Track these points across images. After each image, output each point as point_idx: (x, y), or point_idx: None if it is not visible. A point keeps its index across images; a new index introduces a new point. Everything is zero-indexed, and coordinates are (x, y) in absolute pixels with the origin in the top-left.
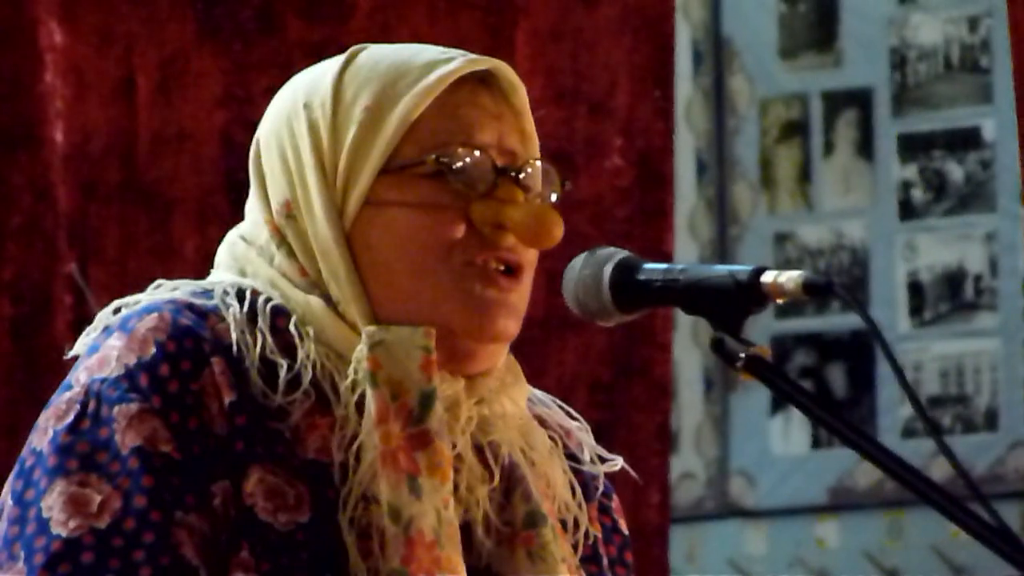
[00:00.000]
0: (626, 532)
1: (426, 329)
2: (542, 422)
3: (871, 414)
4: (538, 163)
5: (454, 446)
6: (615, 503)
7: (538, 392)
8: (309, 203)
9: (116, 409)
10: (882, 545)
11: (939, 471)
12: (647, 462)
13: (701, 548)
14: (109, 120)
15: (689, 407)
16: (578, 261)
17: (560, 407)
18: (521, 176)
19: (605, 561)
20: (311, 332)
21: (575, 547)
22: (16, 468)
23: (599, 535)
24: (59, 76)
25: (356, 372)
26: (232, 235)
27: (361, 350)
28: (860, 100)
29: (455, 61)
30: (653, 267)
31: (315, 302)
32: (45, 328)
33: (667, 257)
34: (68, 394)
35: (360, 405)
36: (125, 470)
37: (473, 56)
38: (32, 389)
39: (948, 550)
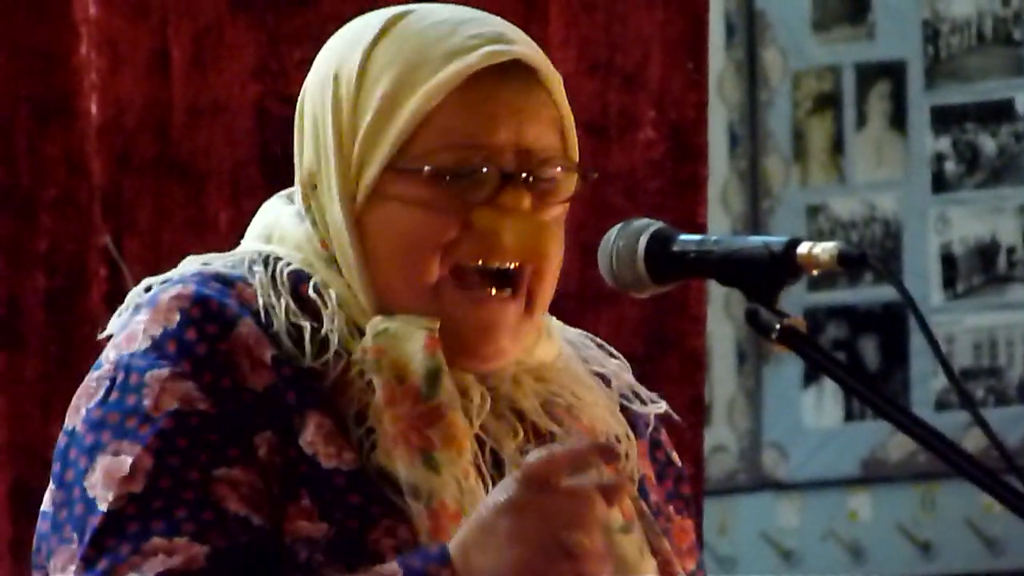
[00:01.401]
0: (680, 464)
1: (429, 318)
2: (586, 363)
3: (904, 386)
4: (557, 164)
5: (479, 415)
6: (665, 436)
7: (573, 334)
8: (328, 180)
9: (147, 376)
10: (915, 518)
11: (972, 443)
12: (680, 434)
13: (733, 521)
14: (143, 93)
15: (722, 379)
16: (612, 233)
17: (601, 346)
18: (531, 179)
19: (653, 498)
20: (334, 297)
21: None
22: (56, 452)
23: (649, 474)
24: (93, 48)
25: (362, 362)
26: (274, 198)
27: (366, 339)
28: (893, 72)
29: (477, 52)
30: (687, 238)
31: (335, 278)
32: (79, 301)
33: (700, 229)
34: (98, 372)
35: (370, 389)
36: (156, 431)
37: (498, 47)
38: (66, 362)
39: (982, 523)
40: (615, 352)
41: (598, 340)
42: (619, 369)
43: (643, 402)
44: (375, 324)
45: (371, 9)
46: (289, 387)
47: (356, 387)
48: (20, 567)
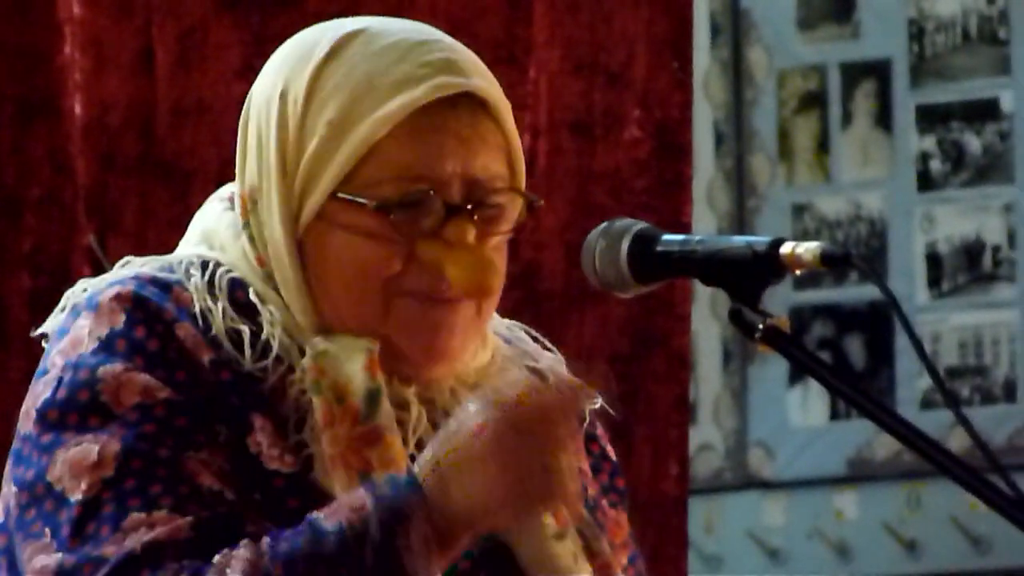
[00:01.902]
0: (614, 458)
1: (369, 339)
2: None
3: (889, 386)
4: (503, 192)
5: (404, 441)
6: (600, 430)
7: (505, 327)
8: (269, 200)
9: (100, 371)
10: (901, 516)
11: (957, 442)
12: (666, 434)
13: (719, 519)
14: (128, 92)
15: (707, 379)
16: (596, 233)
17: (536, 339)
18: (477, 211)
19: (589, 492)
20: (270, 309)
21: None
22: (10, 461)
23: (584, 468)
24: (78, 48)
25: (300, 380)
26: (214, 200)
27: (307, 360)
28: (878, 71)
29: (425, 84)
30: (671, 238)
31: (271, 296)
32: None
33: (685, 228)
34: (45, 378)
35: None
36: (123, 424)
37: (447, 78)
38: None
39: (967, 521)
40: (549, 345)
41: (532, 332)
42: (554, 363)
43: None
44: (315, 344)
45: (354, 9)
46: (230, 390)
47: (294, 395)
48: None
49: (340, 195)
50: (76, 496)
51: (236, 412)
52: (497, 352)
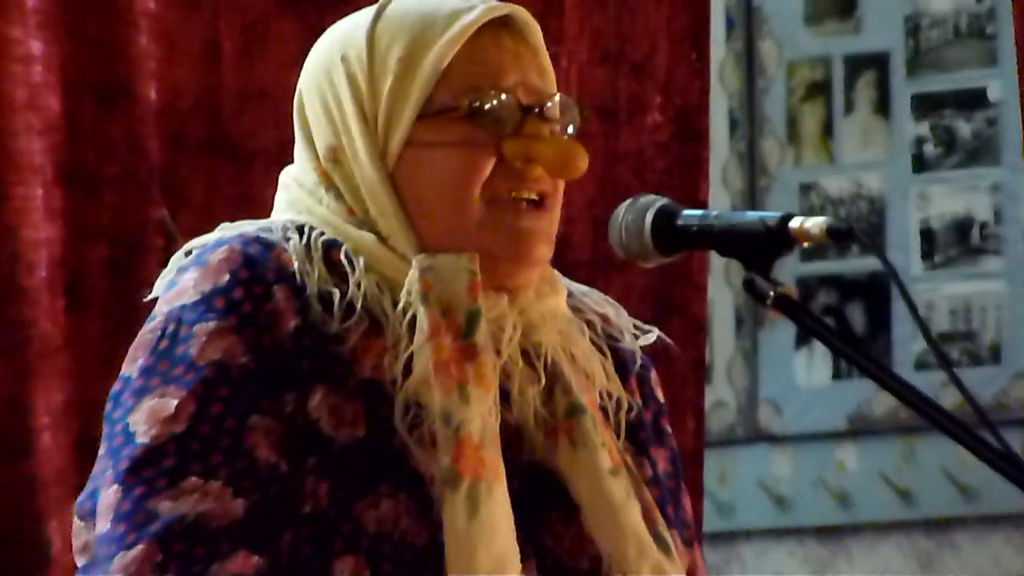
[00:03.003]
0: (662, 400)
1: (470, 254)
2: (580, 311)
3: (887, 349)
4: (558, 97)
5: (498, 352)
6: (653, 375)
7: (575, 285)
8: (354, 148)
9: (195, 327)
10: (897, 467)
11: (949, 400)
12: (683, 392)
13: (732, 470)
14: (196, 79)
15: (721, 342)
16: (622, 208)
17: (598, 293)
18: (545, 111)
19: (648, 420)
20: (362, 262)
21: (617, 431)
22: (109, 395)
23: (641, 406)
24: (152, 40)
25: (409, 294)
26: (284, 178)
27: (413, 274)
28: (878, 63)
29: (476, 10)
30: (690, 213)
31: (366, 236)
32: (138, 268)
33: (702, 205)
34: (151, 325)
35: (411, 326)
36: (201, 380)
37: (491, 3)
38: (126, 323)
39: (957, 472)
40: (609, 299)
41: (595, 290)
42: (614, 314)
43: (637, 336)
44: (420, 260)
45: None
46: (305, 356)
47: (377, 350)
48: None
49: (426, 115)
50: (143, 440)
51: (304, 380)
52: (568, 298)
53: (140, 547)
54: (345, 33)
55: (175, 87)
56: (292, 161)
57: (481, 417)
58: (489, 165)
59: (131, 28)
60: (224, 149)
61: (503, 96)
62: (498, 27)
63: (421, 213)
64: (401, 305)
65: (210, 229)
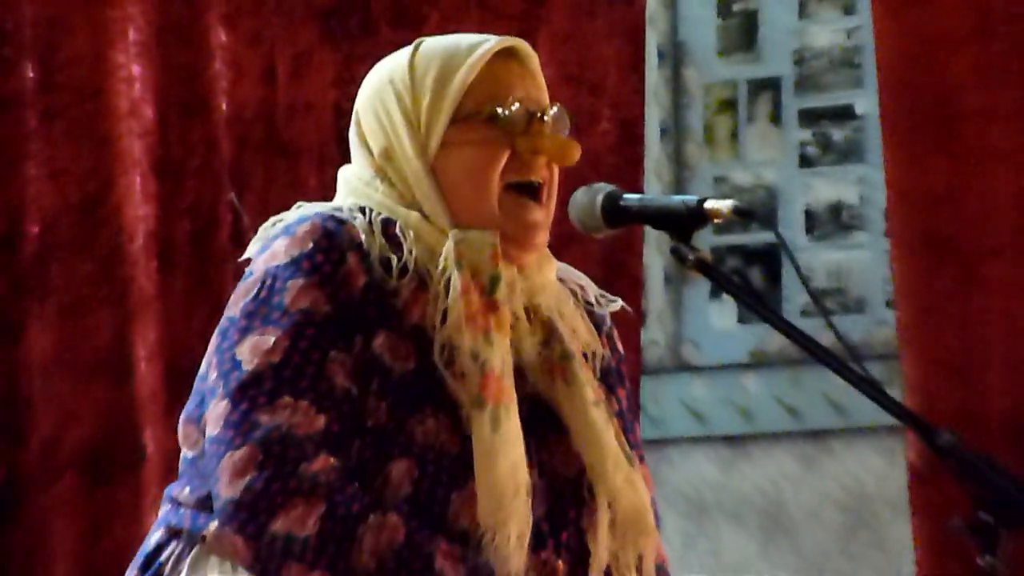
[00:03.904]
0: (622, 352)
1: (493, 232)
2: (565, 282)
3: (778, 301)
4: (554, 108)
5: (513, 313)
6: (615, 333)
7: (559, 263)
8: (402, 148)
9: (288, 283)
10: (786, 390)
11: (826, 340)
12: (626, 332)
13: (662, 393)
14: (257, 95)
15: (654, 295)
16: (579, 193)
17: (575, 270)
18: (546, 117)
19: (613, 366)
20: (411, 235)
21: (595, 373)
22: (216, 334)
23: (609, 355)
24: (223, 65)
25: (446, 260)
26: (344, 173)
27: (449, 245)
28: (772, 85)
29: (490, 42)
30: (630, 197)
31: (413, 215)
32: (212, 238)
33: (639, 191)
34: (251, 279)
35: (447, 285)
36: (293, 323)
37: (501, 37)
38: (203, 280)
39: (834, 394)
40: (585, 277)
41: (574, 269)
42: (588, 285)
43: (604, 304)
44: (455, 235)
45: (414, 39)
46: (371, 306)
47: (422, 303)
48: (173, 426)
49: (456, 120)
50: (249, 367)
51: (370, 323)
52: (558, 272)
53: (245, 448)
54: (390, 65)
55: (241, 101)
56: (333, 159)
57: (501, 356)
58: (505, 157)
59: (208, 56)
60: (277, 148)
61: (514, 106)
62: (507, 56)
63: (454, 197)
64: (440, 267)
65: (267, 208)
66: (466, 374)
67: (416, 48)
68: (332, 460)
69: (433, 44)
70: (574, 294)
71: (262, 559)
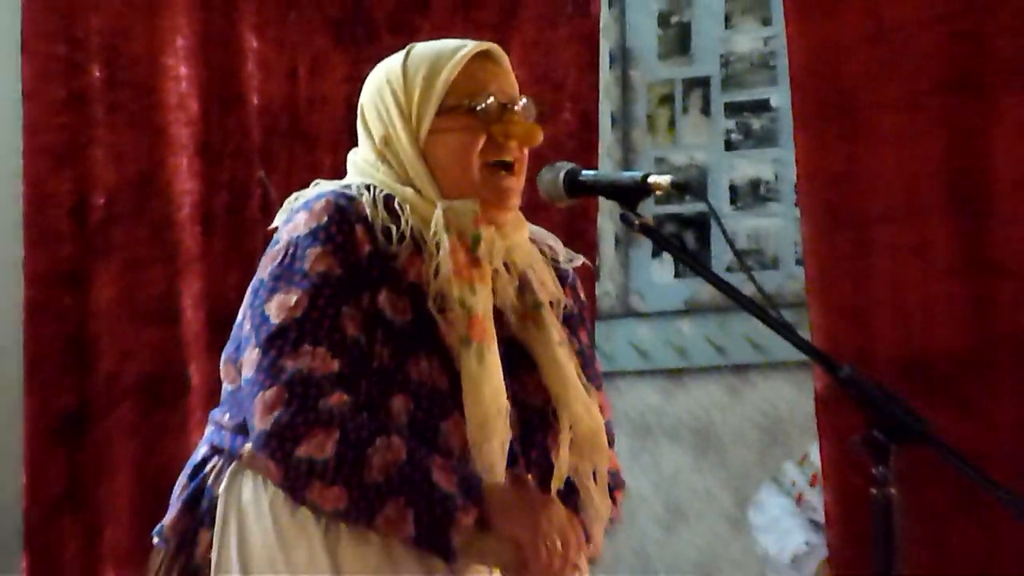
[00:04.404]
0: (584, 300)
1: (474, 200)
2: (535, 242)
3: (708, 259)
4: (524, 100)
5: (493, 267)
6: (579, 283)
7: (532, 225)
8: (398, 136)
9: (307, 250)
10: (715, 334)
11: (748, 291)
12: (585, 286)
13: (613, 336)
14: (283, 91)
15: (607, 255)
16: (545, 170)
17: (546, 231)
18: (516, 108)
19: (576, 312)
20: (408, 208)
21: (559, 317)
22: (249, 291)
23: (572, 303)
24: (255, 66)
25: (436, 225)
26: (353, 156)
27: (438, 213)
28: (703, 83)
29: (469, 46)
30: (587, 173)
31: (409, 191)
32: (245, 209)
33: (595, 169)
34: (277, 247)
35: (437, 246)
36: (312, 284)
37: (478, 42)
38: (237, 245)
39: (754, 336)
40: (553, 236)
41: (543, 229)
42: (555, 241)
43: (568, 261)
44: (443, 204)
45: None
46: (375, 268)
47: (417, 264)
48: (215, 360)
49: (442, 112)
50: (275, 321)
51: (375, 283)
52: (530, 232)
53: (274, 389)
54: (387, 66)
55: (270, 96)
56: (344, 144)
57: (483, 303)
58: (482, 141)
59: (242, 59)
60: (299, 135)
61: (490, 99)
62: (484, 57)
63: (442, 174)
64: (432, 232)
65: (290, 185)
66: (456, 318)
67: (408, 52)
68: (345, 396)
69: (422, 48)
70: (544, 253)
71: (290, 478)
